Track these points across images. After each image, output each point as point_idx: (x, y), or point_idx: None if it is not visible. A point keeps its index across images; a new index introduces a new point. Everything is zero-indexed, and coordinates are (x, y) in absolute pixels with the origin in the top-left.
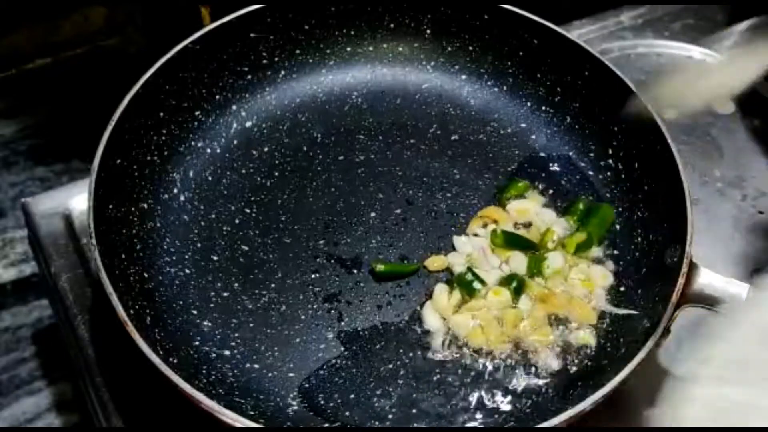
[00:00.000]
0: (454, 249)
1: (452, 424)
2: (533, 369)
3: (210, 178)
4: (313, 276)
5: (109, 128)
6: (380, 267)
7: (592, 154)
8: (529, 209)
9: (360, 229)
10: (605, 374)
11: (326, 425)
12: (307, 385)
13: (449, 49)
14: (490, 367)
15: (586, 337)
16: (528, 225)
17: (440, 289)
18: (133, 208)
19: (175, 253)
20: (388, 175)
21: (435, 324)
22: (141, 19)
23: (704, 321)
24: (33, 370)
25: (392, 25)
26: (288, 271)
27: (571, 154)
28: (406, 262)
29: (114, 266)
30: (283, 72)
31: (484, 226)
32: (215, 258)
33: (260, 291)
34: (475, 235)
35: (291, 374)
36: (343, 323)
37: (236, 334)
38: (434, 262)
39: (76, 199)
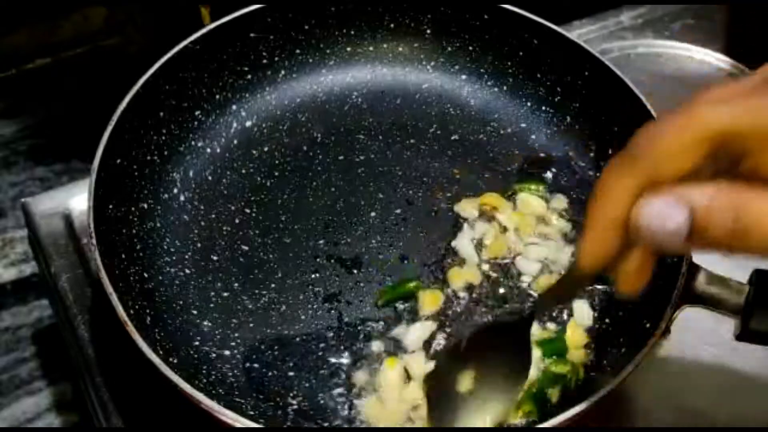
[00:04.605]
0: (453, 250)
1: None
2: None
3: (210, 178)
4: (313, 276)
5: (109, 128)
6: (381, 300)
7: (592, 154)
8: (537, 208)
9: (360, 229)
10: (605, 374)
11: (326, 425)
12: (307, 385)
13: (449, 49)
14: None
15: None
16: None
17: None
18: (133, 208)
19: (175, 253)
20: (388, 175)
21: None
22: (141, 19)
23: (704, 321)
24: (33, 370)
25: (392, 25)
26: (288, 271)
27: (571, 154)
28: (406, 262)
29: (114, 266)
30: (283, 72)
31: (483, 215)
32: (215, 258)
33: (260, 291)
34: (465, 219)
35: (291, 374)
36: (343, 323)
37: (236, 334)
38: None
39: (76, 199)
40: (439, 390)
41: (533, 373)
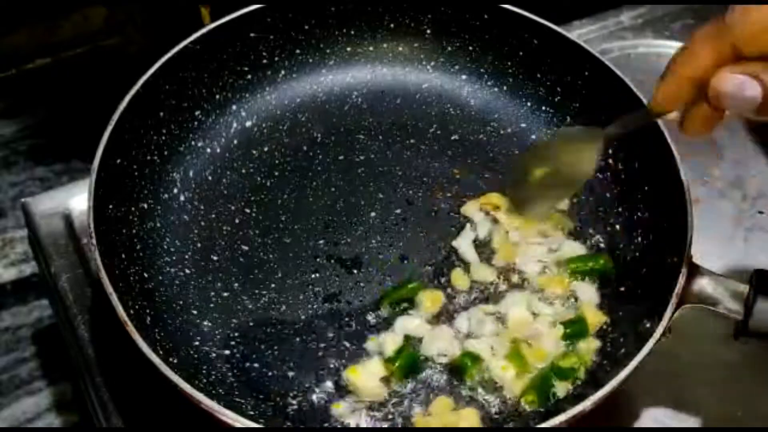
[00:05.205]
0: (454, 250)
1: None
2: None
3: (210, 178)
4: (313, 276)
5: (109, 128)
6: (383, 303)
7: None
8: None
9: (360, 229)
10: (605, 374)
11: (326, 425)
12: (307, 385)
13: (449, 49)
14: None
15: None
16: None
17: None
18: (133, 208)
19: (175, 253)
20: (388, 175)
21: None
22: (141, 19)
23: (704, 321)
24: (33, 370)
25: (392, 25)
26: (288, 271)
27: None
28: (405, 262)
29: (114, 266)
30: (283, 72)
31: (486, 213)
32: (215, 258)
33: (260, 291)
34: (469, 220)
35: (291, 374)
36: (343, 323)
37: (236, 334)
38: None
39: (76, 199)
40: (516, 180)
41: (541, 365)
